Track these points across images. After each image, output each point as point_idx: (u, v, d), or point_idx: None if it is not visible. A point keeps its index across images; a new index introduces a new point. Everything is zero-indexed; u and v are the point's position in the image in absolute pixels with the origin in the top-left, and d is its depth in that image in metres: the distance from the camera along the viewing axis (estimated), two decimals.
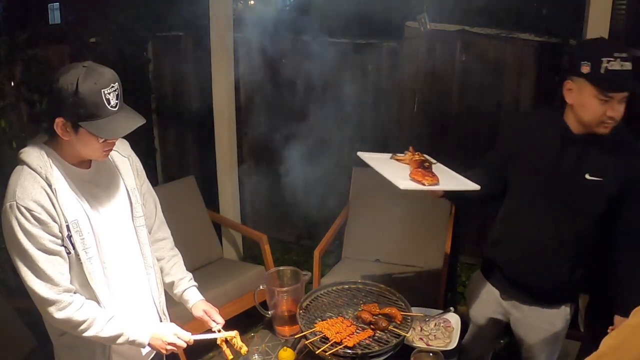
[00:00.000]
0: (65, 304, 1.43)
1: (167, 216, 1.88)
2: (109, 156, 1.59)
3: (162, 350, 1.59)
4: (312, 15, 3.17)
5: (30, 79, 3.01)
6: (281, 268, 2.09)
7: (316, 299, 1.94)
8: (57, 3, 4.15)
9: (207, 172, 3.62)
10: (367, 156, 1.95)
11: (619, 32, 2.63)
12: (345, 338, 1.69)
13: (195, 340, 1.62)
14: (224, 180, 3.51)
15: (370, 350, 1.66)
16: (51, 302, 1.41)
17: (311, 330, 1.74)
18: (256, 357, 1.84)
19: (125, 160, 1.64)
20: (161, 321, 1.73)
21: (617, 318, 1.85)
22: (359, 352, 1.65)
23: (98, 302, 1.50)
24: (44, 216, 1.39)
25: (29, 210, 1.37)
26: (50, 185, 1.41)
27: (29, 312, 1.49)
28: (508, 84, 3.17)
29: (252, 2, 4.04)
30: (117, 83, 1.39)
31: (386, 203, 3.12)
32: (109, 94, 1.37)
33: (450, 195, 1.91)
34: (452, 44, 3.25)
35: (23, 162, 1.42)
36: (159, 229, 1.81)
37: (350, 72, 3.54)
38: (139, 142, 3.91)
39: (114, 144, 1.50)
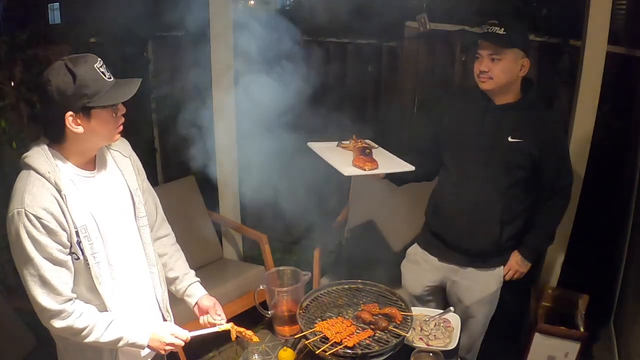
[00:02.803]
0: (67, 314, 1.42)
1: (167, 216, 1.88)
2: (111, 157, 1.59)
3: (161, 351, 1.59)
4: (312, 15, 3.16)
5: (30, 79, 3.01)
6: (281, 268, 2.08)
7: (316, 299, 1.94)
8: (57, 3, 4.14)
9: (207, 172, 3.61)
10: (315, 146, 2.10)
11: (618, 32, 2.63)
12: (345, 338, 1.69)
13: (193, 337, 1.63)
14: (224, 180, 3.50)
15: (370, 350, 1.66)
16: (54, 313, 1.40)
17: (311, 330, 1.74)
18: (256, 357, 1.84)
19: (127, 160, 1.64)
20: (164, 319, 1.74)
21: (514, 253, 2.12)
22: (359, 352, 1.65)
23: (104, 305, 1.49)
24: (53, 224, 1.36)
25: (38, 218, 1.34)
26: (59, 192, 1.38)
27: (29, 312, 1.48)
28: None
29: (252, 2, 4.03)
30: (100, 59, 1.42)
31: (386, 203, 3.11)
32: (101, 67, 1.40)
33: (390, 177, 2.13)
34: (452, 44, 3.24)
35: (29, 167, 1.39)
36: (160, 226, 1.82)
37: (350, 72, 3.54)
38: (139, 142, 3.91)
39: (123, 119, 1.51)
